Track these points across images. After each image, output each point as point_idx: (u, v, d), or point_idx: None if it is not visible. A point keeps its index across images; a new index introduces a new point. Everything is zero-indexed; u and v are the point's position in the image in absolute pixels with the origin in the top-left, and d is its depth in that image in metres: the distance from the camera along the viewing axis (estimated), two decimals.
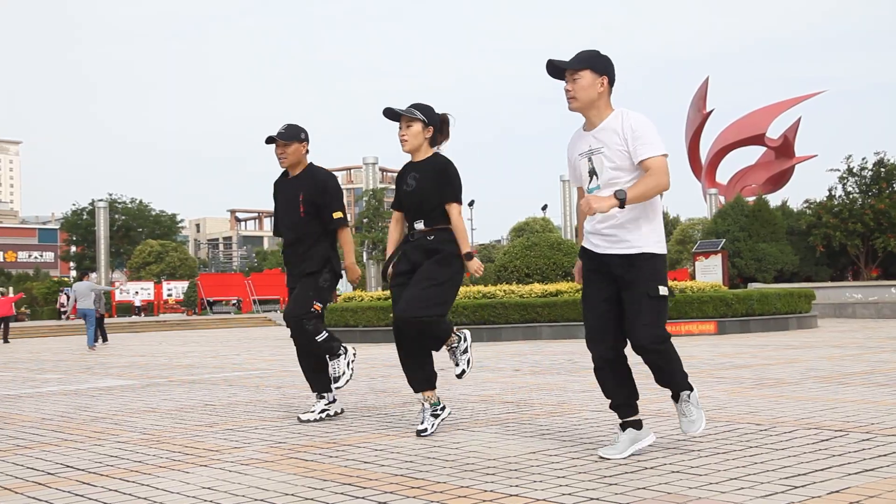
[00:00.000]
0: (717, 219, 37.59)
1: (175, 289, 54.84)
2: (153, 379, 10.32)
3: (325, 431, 5.51)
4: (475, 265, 5.29)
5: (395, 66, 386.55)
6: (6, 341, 25.31)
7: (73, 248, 77.13)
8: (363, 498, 3.61)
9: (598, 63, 4.37)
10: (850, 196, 36.53)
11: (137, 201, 76.05)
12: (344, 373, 5.94)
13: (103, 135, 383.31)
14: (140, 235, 73.66)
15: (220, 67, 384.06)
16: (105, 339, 22.15)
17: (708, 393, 6.95)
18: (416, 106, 5.35)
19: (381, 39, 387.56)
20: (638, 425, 4.45)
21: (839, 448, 4.37)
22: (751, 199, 39.19)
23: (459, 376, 5.45)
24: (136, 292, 53.30)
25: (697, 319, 16.94)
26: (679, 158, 51.89)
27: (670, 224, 72.47)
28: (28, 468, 4.57)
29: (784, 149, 48.02)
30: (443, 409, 5.37)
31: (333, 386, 5.97)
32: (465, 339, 5.43)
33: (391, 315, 5.47)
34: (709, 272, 28.23)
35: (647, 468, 4.02)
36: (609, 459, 4.27)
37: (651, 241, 4.36)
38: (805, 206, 38.75)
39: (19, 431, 6.05)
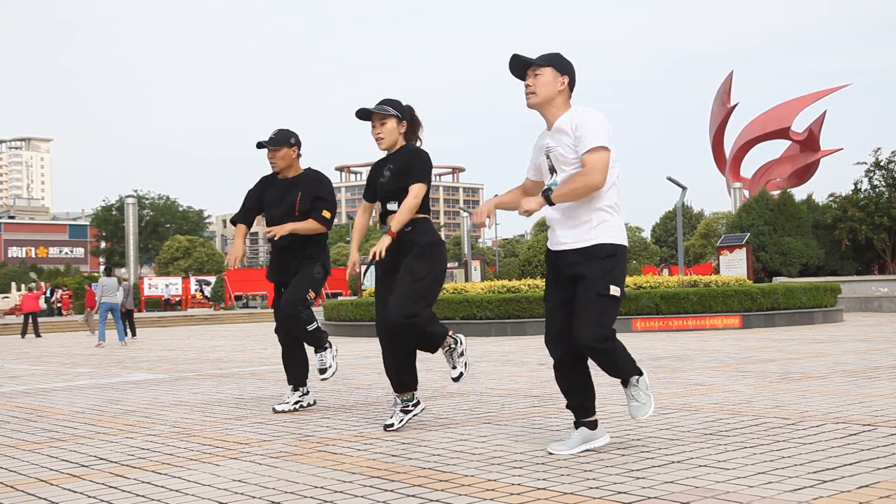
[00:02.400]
0: (742, 213, 37.33)
1: (202, 284, 55.29)
2: (182, 373, 10.43)
3: (353, 425, 5.56)
4: (382, 244, 5.10)
5: (420, 63, 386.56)
6: (38, 335, 25.65)
7: (103, 244, 77.89)
8: (392, 491, 3.64)
9: (560, 63, 4.43)
10: (877, 190, 36.17)
11: (165, 197, 76.67)
12: (330, 366, 6.09)
13: (133, 132, 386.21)
14: (168, 231, 74.25)
15: (249, 70, 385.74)
16: (133, 334, 22.39)
17: (734, 387, 6.94)
18: (387, 102, 5.35)
19: (407, 36, 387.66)
20: (592, 425, 4.46)
21: (868, 442, 4.36)
22: (776, 192, 38.90)
23: (456, 379, 5.36)
24: (167, 286, 53.72)
25: (722, 313, 16.86)
26: (703, 152, 51.71)
27: (694, 218, 72.06)
28: (63, 460, 4.65)
29: (809, 142, 47.62)
30: (416, 405, 5.37)
31: (320, 377, 6.11)
32: (461, 343, 5.34)
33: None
34: (733, 266, 28.05)
35: (674, 462, 4.03)
36: (557, 455, 4.30)
37: (604, 233, 4.30)
38: (830, 199, 38.41)
39: (53, 424, 6.15)
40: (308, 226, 6.10)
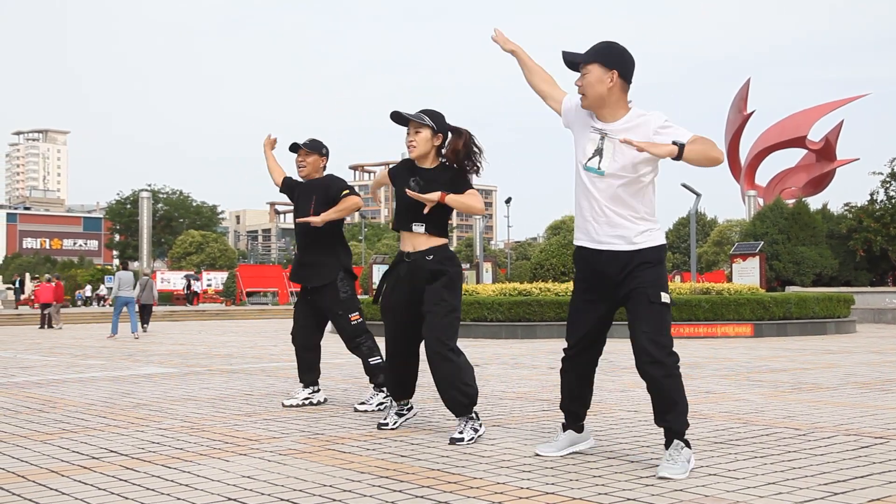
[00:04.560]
0: (756, 221, 37.18)
1: (214, 279, 55.47)
2: (193, 367, 10.45)
3: (362, 424, 5.56)
4: (428, 197, 4.86)
5: (433, 63, 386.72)
6: (51, 326, 25.84)
7: (117, 237, 78.39)
8: (400, 492, 3.64)
9: (607, 56, 4.04)
10: (893, 200, 35.97)
11: (179, 192, 77.02)
12: (370, 405, 6.21)
13: (149, 128, 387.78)
14: (181, 226, 74.61)
15: (265, 69, 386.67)
16: (145, 327, 22.54)
17: (745, 396, 6.91)
18: (426, 112, 5.12)
19: (421, 35, 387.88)
20: (580, 429, 4.47)
21: (880, 455, 4.34)
22: (790, 201, 38.73)
23: (454, 441, 4.82)
24: (183, 279, 53.91)
25: (734, 322, 16.80)
26: None
27: (707, 225, 71.80)
28: (74, 452, 4.67)
29: (825, 151, 47.38)
30: (409, 409, 5.38)
31: (356, 405, 6.27)
32: (482, 426, 4.93)
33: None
34: (746, 274, 27.93)
35: None
36: (544, 456, 4.32)
37: (650, 238, 4.11)
38: (845, 209, 38.23)
39: (65, 416, 6.17)
40: (340, 207, 6.18)
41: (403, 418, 5.38)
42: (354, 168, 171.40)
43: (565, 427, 4.47)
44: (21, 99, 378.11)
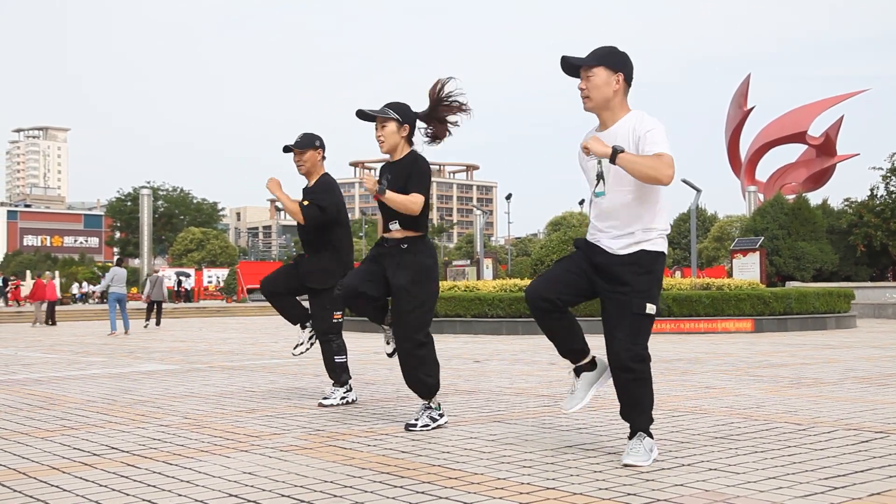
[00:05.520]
0: (757, 216, 37.20)
1: (215, 276, 55.49)
2: (194, 364, 10.47)
3: (363, 420, 5.57)
4: (370, 182, 5.07)
5: (434, 59, 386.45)
6: (53, 323, 26.07)
7: (118, 234, 78.51)
8: (401, 487, 3.65)
9: (612, 60, 4.14)
10: (893, 195, 35.97)
11: (179, 189, 77.14)
12: (333, 400, 6.26)
13: (150, 125, 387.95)
14: (182, 223, 74.72)
15: (265, 66, 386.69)
16: (158, 323, 23.41)
17: (745, 391, 6.92)
18: (390, 105, 5.24)
19: (422, 32, 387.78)
20: (591, 366, 4.38)
21: (880, 450, 4.34)
22: (790, 197, 38.74)
23: (409, 427, 5.12)
24: (188, 276, 53.96)
25: (734, 317, 16.82)
26: (718, 155, 51.57)
27: (708, 221, 71.81)
28: (75, 448, 4.68)
29: (826, 147, 47.40)
30: (441, 415, 5.25)
31: (320, 400, 6.31)
32: (442, 416, 5.22)
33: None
34: (746, 270, 27.96)
35: (684, 465, 4.03)
36: (572, 411, 4.30)
37: (649, 243, 4.13)
38: (846, 204, 38.23)
39: (66, 412, 6.19)
40: (290, 207, 6.13)
41: (435, 423, 5.17)
42: (355, 165, 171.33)
43: (577, 371, 4.42)
44: (21, 96, 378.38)
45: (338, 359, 6.37)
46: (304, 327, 6.50)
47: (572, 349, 4.41)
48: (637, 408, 4.15)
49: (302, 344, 6.42)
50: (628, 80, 4.17)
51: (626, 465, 4.01)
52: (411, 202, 5.08)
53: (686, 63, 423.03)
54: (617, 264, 4.12)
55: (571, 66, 4.21)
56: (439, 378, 5.23)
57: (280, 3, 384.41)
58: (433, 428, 5.17)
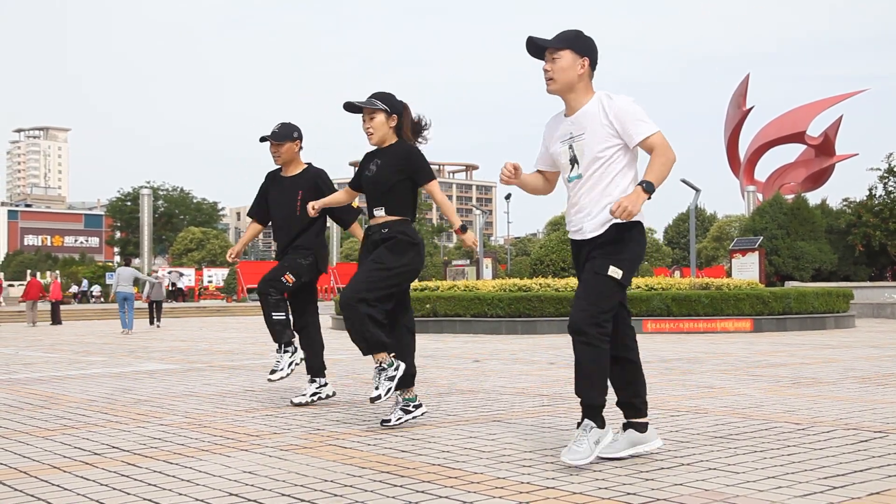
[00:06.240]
0: (756, 216, 37.24)
1: (215, 276, 55.49)
2: (194, 364, 10.49)
3: (363, 420, 5.58)
4: (470, 238, 5.22)
5: (434, 59, 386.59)
6: (59, 322, 26.51)
7: (118, 234, 78.66)
8: (401, 486, 3.66)
9: (579, 43, 4.14)
10: (892, 195, 36.01)
11: (179, 189, 77.25)
12: (282, 369, 6.13)
13: (149, 125, 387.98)
14: (182, 222, 74.80)
15: (265, 66, 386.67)
16: (158, 322, 23.79)
17: (744, 391, 6.93)
18: (377, 95, 5.28)
19: (422, 32, 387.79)
20: (642, 427, 4.20)
21: (879, 449, 4.35)
22: (789, 196, 38.78)
23: (372, 400, 5.07)
24: (181, 275, 53.94)
25: (734, 317, 16.84)
26: (717, 155, 51.71)
27: (707, 221, 71.84)
28: (76, 448, 4.69)
29: (824, 147, 47.45)
30: (417, 406, 5.28)
31: (268, 377, 6.18)
32: (397, 369, 5.12)
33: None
34: (745, 270, 27.99)
35: (683, 464, 4.04)
36: (609, 459, 4.05)
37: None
38: (844, 204, 38.28)
39: (67, 412, 6.20)
40: (341, 196, 6.03)
41: (409, 416, 5.25)
42: (355, 165, 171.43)
43: (626, 426, 4.24)
44: (22, 97, 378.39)
45: (275, 314, 6.11)
46: (283, 349, 6.23)
47: (629, 402, 4.28)
48: (587, 380, 4.01)
49: (281, 370, 6.16)
50: (593, 65, 4.19)
51: (562, 461, 3.92)
52: (446, 201, 5.33)
53: (686, 63, 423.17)
54: (595, 242, 4.12)
55: (537, 48, 4.21)
56: (384, 338, 5.06)
57: (280, 4, 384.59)
58: (410, 420, 5.21)
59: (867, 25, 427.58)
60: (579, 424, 4.06)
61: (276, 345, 6.26)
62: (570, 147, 4.17)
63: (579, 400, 4.09)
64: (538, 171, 4.51)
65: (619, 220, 4.00)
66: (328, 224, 6.50)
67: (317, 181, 6.27)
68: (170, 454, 4.46)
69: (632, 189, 4.10)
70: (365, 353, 5.18)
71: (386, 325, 5.14)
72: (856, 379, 7.83)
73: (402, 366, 5.16)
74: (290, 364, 6.19)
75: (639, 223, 4.12)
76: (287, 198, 6.25)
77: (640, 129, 4.03)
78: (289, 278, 6.12)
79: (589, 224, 4.14)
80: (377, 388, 5.07)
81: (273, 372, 6.18)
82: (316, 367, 6.39)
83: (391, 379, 5.08)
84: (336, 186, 6.39)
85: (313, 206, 5.86)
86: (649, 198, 3.94)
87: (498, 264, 40.44)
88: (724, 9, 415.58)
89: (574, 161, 4.17)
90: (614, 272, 4.01)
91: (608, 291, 4.03)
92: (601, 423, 4.05)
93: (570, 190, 4.25)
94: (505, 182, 4.38)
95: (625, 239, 4.08)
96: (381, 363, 5.12)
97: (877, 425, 5.13)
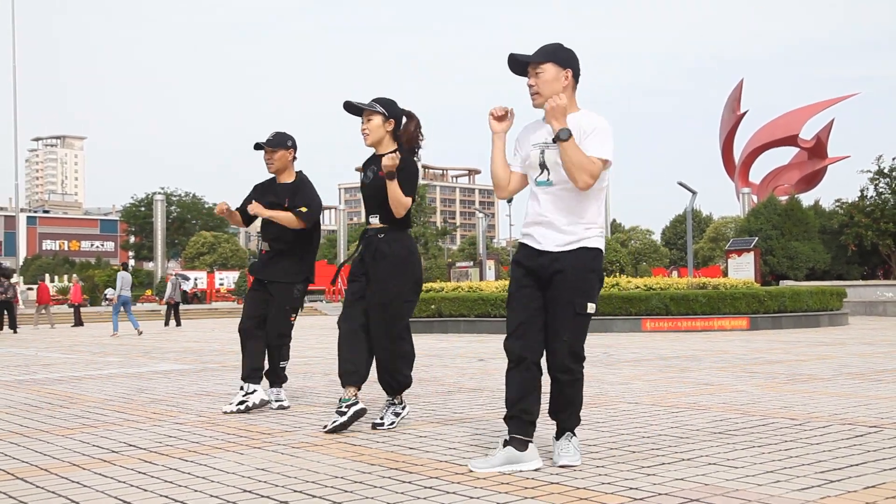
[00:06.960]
0: (751, 217, 37.37)
1: (227, 278, 55.74)
2: (207, 364, 10.58)
3: (372, 417, 5.64)
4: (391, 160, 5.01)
5: (437, 63, 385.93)
6: (81, 324, 27.14)
7: (132, 238, 78.96)
8: (409, 482, 3.72)
9: (561, 56, 4.12)
10: (883, 196, 36.18)
11: (192, 194, 77.64)
12: (257, 404, 6.02)
13: (164, 133, 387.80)
14: (194, 227, 75.06)
15: (276, 73, 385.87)
16: (178, 324, 24.84)
17: (742, 387, 7.02)
18: (378, 100, 5.30)
19: (425, 35, 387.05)
20: (523, 446, 4.06)
21: (874, 444, 4.43)
22: (783, 198, 38.93)
23: (375, 426, 5.17)
24: (186, 278, 53.94)
25: (730, 315, 16.95)
26: (713, 157, 51.83)
27: (703, 222, 71.96)
28: (94, 446, 4.78)
29: (817, 149, 47.61)
30: (403, 407, 5.34)
31: (235, 407, 6.02)
32: (404, 408, 5.33)
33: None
34: (741, 269, 28.09)
35: (684, 459, 4.11)
36: (475, 472, 3.94)
37: (587, 241, 4.10)
38: (837, 205, 38.41)
39: (85, 411, 6.29)
40: (286, 216, 6.07)
41: (400, 417, 5.27)
42: (359, 170, 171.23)
43: (506, 442, 4.13)
44: (40, 106, 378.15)
45: (282, 363, 6.23)
46: (247, 385, 6.10)
47: (530, 421, 4.21)
48: (570, 408, 4.18)
49: (233, 403, 6.07)
50: (576, 77, 4.16)
51: (561, 466, 4.02)
52: (403, 203, 5.13)
53: (685, 65, 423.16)
54: (557, 262, 4.07)
55: (519, 64, 4.20)
56: (411, 375, 5.26)
57: (296, 12, 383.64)
58: (399, 422, 5.26)
59: (857, 29, 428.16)
60: (558, 437, 4.20)
61: (244, 381, 6.15)
62: (542, 153, 4.14)
63: (555, 422, 4.24)
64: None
65: (585, 234, 4.08)
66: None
67: (299, 190, 6.22)
68: (185, 452, 4.54)
69: (600, 218, 4.17)
70: (391, 394, 5.30)
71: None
72: (850, 375, 7.93)
73: (408, 407, 5.44)
74: (270, 404, 6.14)
75: (601, 251, 4.15)
76: (276, 206, 6.22)
77: (594, 147, 3.99)
78: (293, 319, 6.29)
79: (554, 237, 4.10)
80: (383, 418, 5.23)
81: (282, 408, 6.15)
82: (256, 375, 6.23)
83: (397, 415, 5.28)
84: (320, 196, 6.34)
85: (253, 210, 6.07)
86: (556, 137, 3.95)
87: (500, 266, 40.54)
88: (718, 14, 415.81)
89: (543, 167, 4.13)
90: (591, 308, 4.10)
91: (586, 327, 4.15)
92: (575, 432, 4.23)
93: (540, 194, 4.18)
94: (493, 115, 4.30)
95: (596, 270, 4.11)
96: (394, 400, 5.30)
97: (871, 420, 5.21)
